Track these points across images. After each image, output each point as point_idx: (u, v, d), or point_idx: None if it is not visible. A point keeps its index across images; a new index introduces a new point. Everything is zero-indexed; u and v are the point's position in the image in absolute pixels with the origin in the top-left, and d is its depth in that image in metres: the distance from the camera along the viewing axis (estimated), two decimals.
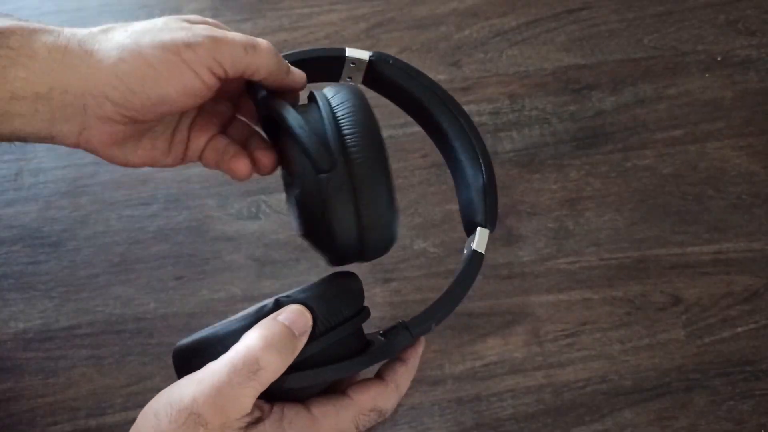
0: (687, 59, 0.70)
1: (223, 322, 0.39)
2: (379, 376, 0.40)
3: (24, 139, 0.39)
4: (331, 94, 0.40)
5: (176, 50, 0.37)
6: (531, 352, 0.58)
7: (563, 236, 0.62)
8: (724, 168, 0.65)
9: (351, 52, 0.43)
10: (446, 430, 0.56)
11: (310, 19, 0.71)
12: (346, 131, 0.37)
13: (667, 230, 0.63)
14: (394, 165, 0.65)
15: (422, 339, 0.41)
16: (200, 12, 0.70)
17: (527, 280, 0.61)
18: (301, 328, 0.36)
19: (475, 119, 0.66)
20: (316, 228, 0.38)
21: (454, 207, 0.63)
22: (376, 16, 0.71)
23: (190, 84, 0.37)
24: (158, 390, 0.57)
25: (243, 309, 0.59)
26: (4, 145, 0.66)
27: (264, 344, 0.35)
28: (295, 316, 0.36)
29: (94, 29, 0.38)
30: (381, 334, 0.40)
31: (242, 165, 0.42)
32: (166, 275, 0.60)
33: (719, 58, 0.70)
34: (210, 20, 0.42)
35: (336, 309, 0.37)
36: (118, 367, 0.57)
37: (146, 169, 0.64)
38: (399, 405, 0.41)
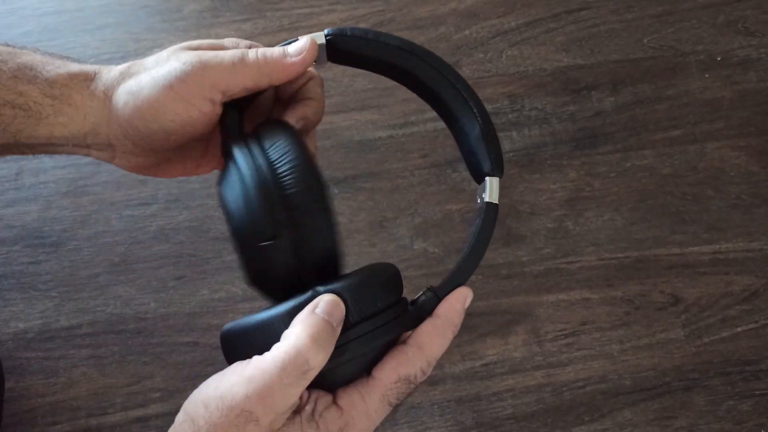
0: (686, 59, 0.70)
1: (263, 309, 0.38)
2: (402, 342, 0.40)
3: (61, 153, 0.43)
4: (267, 144, 0.39)
5: (170, 85, 0.39)
6: (530, 351, 0.58)
7: (563, 236, 0.62)
8: (724, 168, 0.65)
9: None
10: (446, 429, 0.56)
11: (310, 19, 0.71)
12: (287, 190, 0.37)
13: (666, 230, 0.63)
14: (394, 165, 0.65)
15: (460, 292, 0.40)
16: (200, 13, 0.70)
17: (527, 280, 0.61)
18: (338, 318, 0.36)
19: None
20: (260, 278, 0.39)
21: (454, 207, 0.63)
22: (376, 16, 0.71)
23: (187, 114, 0.39)
24: (159, 390, 0.57)
25: (243, 309, 0.59)
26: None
27: (311, 342, 0.35)
28: (331, 308, 0.36)
29: (117, 72, 0.41)
30: (410, 304, 0.40)
31: None
32: (166, 275, 0.60)
33: (719, 59, 0.70)
34: (211, 42, 0.43)
35: (369, 299, 0.37)
36: (118, 367, 0.57)
37: None
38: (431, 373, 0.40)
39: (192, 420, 0.36)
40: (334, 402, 0.38)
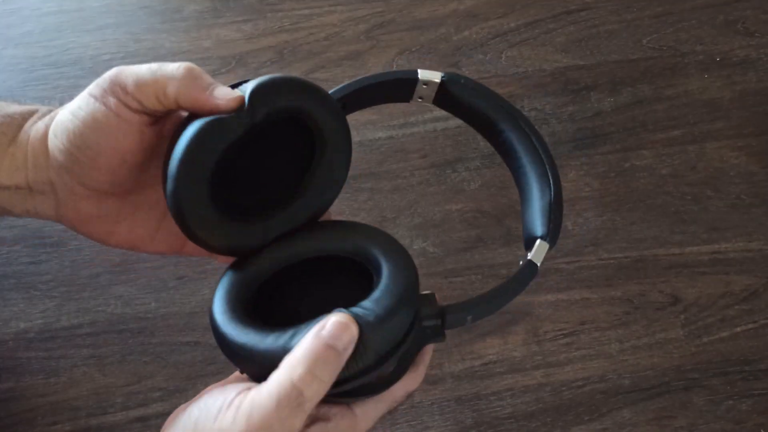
0: (686, 60, 0.70)
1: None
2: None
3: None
4: None
5: (90, 91, 0.38)
6: (530, 351, 0.58)
7: (562, 236, 0.62)
8: (723, 168, 0.65)
9: (423, 74, 0.44)
10: (446, 428, 0.56)
11: (310, 20, 0.71)
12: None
13: (665, 230, 0.63)
14: (394, 165, 0.65)
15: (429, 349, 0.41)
16: (200, 13, 0.71)
17: None
18: (346, 342, 0.34)
19: None
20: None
21: (454, 207, 0.63)
22: (376, 17, 0.71)
23: (105, 119, 0.38)
24: (159, 389, 0.57)
25: None
26: None
27: (306, 372, 0.34)
28: (338, 332, 0.34)
29: (54, 112, 0.41)
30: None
31: None
32: (166, 275, 0.60)
33: (718, 59, 0.70)
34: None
35: (388, 330, 0.36)
36: (119, 367, 0.57)
37: None
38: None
39: None
40: (350, 409, 0.38)
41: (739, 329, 0.59)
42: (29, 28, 0.70)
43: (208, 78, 0.38)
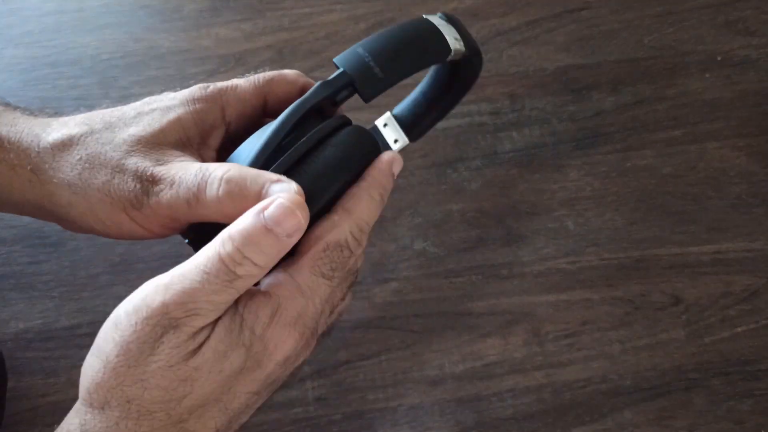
0: (686, 59, 0.70)
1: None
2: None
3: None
4: None
5: (123, 207, 0.35)
6: (531, 351, 0.58)
7: (563, 236, 0.62)
8: (724, 168, 0.65)
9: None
10: (446, 429, 0.56)
11: (310, 19, 0.71)
12: None
13: (666, 230, 0.63)
14: None
15: (387, 154, 0.39)
16: (199, 12, 0.70)
17: (527, 280, 0.61)
18: (290, 229, 0.31)
19: (475, 119, 0.67)
20: None
21: (455, 207, 0.63)
22: (375, 16, 0.71)
23: (140, 234, 0.37)
24: None
25: None
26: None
27: (235, 251, 0.30)
28: (281, 216, 0.31)
29: (48, 144, 0.37)
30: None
31: None
32: None
33: (719, 59, 0.70)
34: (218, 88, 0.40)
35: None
36: None
37: None
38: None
39: (98, 349, 0.32)
40: (257, 287, 0.33)
41: (740, 329, 0.59)
42: (29, 28, 0.69)
43: (254, 183, 0.33)
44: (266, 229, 0.30)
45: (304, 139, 0.35)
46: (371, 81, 0.37)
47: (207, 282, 0.30)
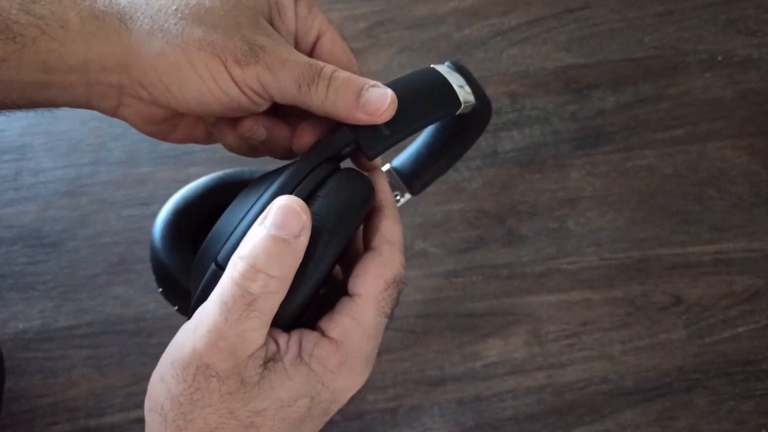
0: (688, 59, 0.69)
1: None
2: (366, 247, 0.36)
3: (59, 106, 0.35)
4: None
5: (225, 61, 0.33)
6: (531, 352, 0.58)
7: (564, 236, 0.62)
8: (725, 168, 0.65)
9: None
10: (447, 430, 0.56)
11: None
12: None
13: (667, 230, 0.63)
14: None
15: (380, 172, 0.38)
16: None
17: (528, 280, 0.60)
18: (295, 229, 0.30)
19: None
20: None
21: (455, 207, 0.63)
22: (376, 15, 0.71)
23: (237, 100, 0.34)
24: None
25: None
26: (4, 145, 0.66)
27: (247, 268, 0.29)
28: (283, 218, 0.30)
29: None
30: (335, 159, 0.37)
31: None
32: None
33: (720, 58, 0.70)
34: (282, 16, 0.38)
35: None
36: (117, 368, 0.57)
37: (145, 169, 0.64)
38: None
39: (155, 402, 0.31)
40: (324, 335, 0.32)
41: (741, 330, 0.59)
42: None
43: (358, 89, 0.34)
44: (272, 236, 0.30)
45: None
46: (376, 139, 0.35)
47: (228, 312, 0.29)
